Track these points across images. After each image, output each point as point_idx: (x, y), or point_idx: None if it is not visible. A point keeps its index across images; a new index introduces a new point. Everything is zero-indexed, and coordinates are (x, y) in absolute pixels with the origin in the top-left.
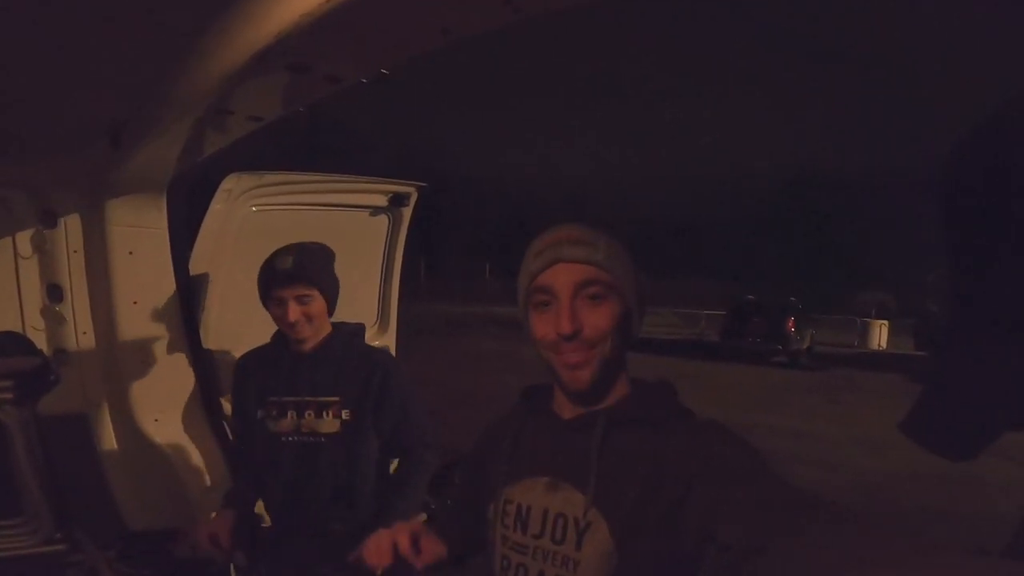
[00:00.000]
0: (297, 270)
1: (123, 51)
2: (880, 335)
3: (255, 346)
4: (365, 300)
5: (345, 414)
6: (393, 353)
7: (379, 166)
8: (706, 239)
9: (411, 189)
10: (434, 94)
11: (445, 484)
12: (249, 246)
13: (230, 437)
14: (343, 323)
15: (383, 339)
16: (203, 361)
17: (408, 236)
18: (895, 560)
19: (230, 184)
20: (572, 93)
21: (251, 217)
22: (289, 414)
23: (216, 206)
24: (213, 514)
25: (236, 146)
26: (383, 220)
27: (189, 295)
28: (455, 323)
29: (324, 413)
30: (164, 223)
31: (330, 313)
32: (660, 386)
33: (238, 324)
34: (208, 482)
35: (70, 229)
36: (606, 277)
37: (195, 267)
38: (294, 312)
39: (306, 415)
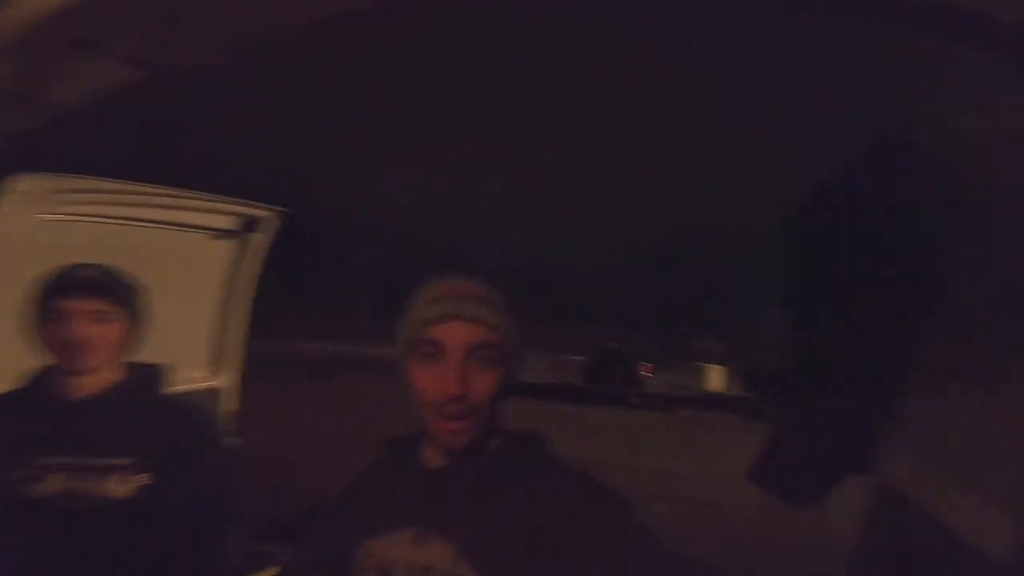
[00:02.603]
0: (103, 280)
1: None
2: (718, 379)
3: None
4: (195, 333)
5: (144, 478)
6: (232, 395)
7: (250, 186)
8: (566, 286)
9: (269, 214)
10: (316, 110)
11: (301, 532)
12: (34, 262)
13: None
14: (139, 364)
15: (218, 379)
16: None
17: (270, 267)
18: None
19: (16, 187)
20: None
21: (41, 228)
22: (58, 476)
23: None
24: None
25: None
26: (227, 245)
27: None
28: (324, 362)
29: (109, 476)
30: None
31: (125, 351)
32: (529, 437)
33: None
34: None
35: None
36: (499, 341)
37: None
38: (81, 328)
39: (83, 477)
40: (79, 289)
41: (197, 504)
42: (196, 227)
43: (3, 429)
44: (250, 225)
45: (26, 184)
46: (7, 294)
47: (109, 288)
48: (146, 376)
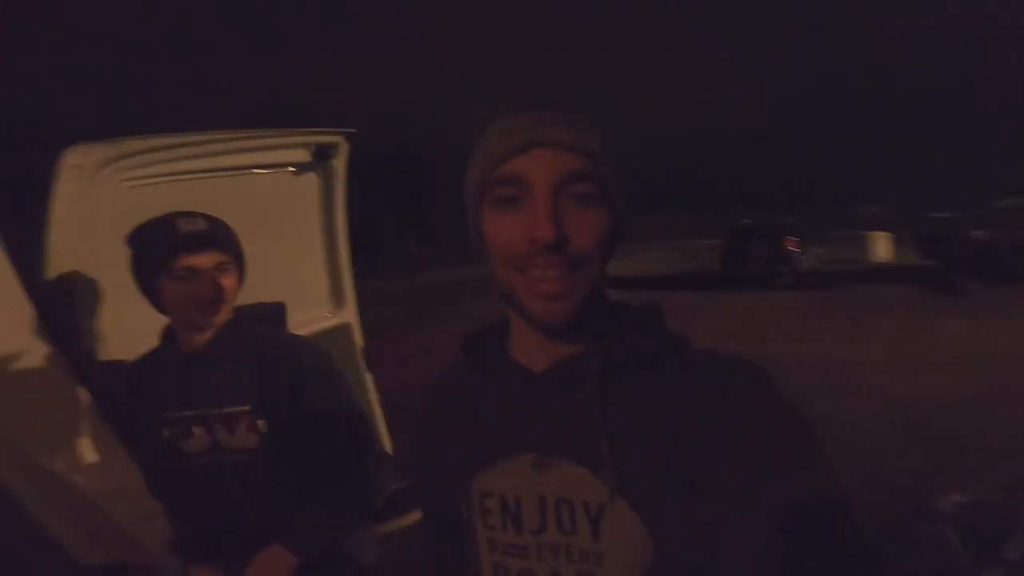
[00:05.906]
0: (213, 232)
1: None
2: (885, 247)
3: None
4: (309, 274)
5: (262, 425)
6: (357, 332)
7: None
8: (696, 170)
9: (337, 138)
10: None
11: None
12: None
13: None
14: (243, 307)
15: (342, 315)
16: (99, 374)
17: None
18: None
19: (77, 159)
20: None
21: (124, 195)
22: (197, 431)
23: (67, 186)
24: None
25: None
26: (312, 179)
27: (56, 302)
28: (452, 288)
29: (235, 427)
30: None
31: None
32: (648, 309)
33: (141, 325)
34: (140, 509)
35: None
36: (599, 173)
37: (56, 265)
38: (214, 283)
39: (216, 430)
40: (201, 245)
41: (331, 442)
42: (277, 165)
43: (147, 389)
44: (324, 153)
45: (84, 156)
46: (116, 265)
47: (224, 239)
48: (250, 319)
